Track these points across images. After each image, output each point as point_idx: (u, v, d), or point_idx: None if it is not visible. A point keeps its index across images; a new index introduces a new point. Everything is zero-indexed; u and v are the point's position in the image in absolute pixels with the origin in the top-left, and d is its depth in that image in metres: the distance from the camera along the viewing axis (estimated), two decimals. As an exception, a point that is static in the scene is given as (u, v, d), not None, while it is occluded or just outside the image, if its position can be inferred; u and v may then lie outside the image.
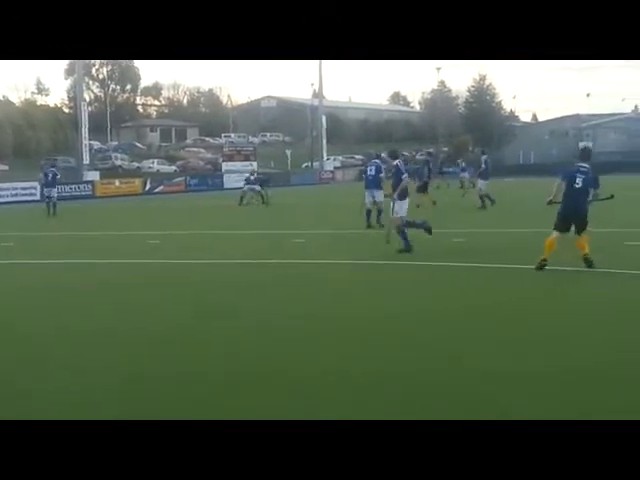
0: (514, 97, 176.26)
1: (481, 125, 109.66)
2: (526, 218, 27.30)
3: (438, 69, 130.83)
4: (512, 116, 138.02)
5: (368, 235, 22.58)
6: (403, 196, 18.40)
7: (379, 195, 24.26)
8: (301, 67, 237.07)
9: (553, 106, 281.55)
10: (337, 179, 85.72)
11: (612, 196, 15.68)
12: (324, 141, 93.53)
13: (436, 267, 15.79)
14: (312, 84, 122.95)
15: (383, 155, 25.09)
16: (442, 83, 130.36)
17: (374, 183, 24.52)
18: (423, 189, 34.28)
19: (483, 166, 33.23)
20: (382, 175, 24.37)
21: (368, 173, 24.96)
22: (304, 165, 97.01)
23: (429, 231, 18.40)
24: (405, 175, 18.68)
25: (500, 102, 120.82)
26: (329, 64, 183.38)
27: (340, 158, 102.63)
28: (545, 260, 14.55)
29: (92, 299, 13.00)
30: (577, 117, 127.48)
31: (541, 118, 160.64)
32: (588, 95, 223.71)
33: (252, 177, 43.29)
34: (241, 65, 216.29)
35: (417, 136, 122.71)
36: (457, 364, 8.29)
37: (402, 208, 18.28)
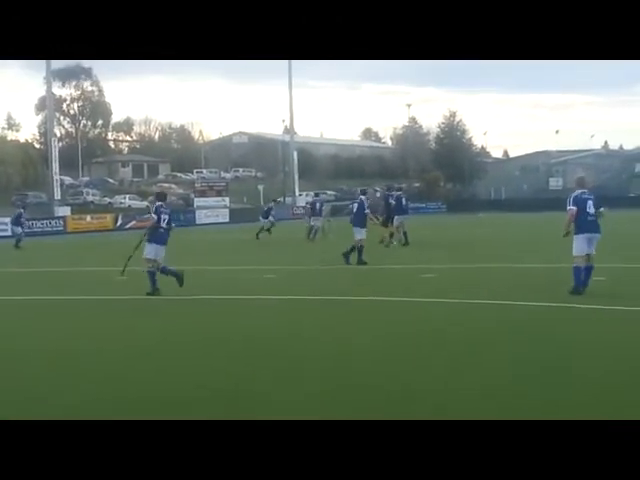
0: (485, 133, 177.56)
1: (452, 161, 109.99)
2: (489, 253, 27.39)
3: (409, 105, 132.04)
4: (483, 152, 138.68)
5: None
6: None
7: (360, 233, 24.08)
8: (272, 103, 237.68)
9: (523, 142, 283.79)
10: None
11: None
12: (296, 176, 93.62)
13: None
14: (283, 120, 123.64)
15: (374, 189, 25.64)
16: (413, 119, 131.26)
17: (359, 221, 24.29)
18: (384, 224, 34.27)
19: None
20: (366, 212, 24.41)
21: (352, 211, 24.77)
22: (277, 200, 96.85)
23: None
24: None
25: (471, 138, 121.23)
26: (300, 100, 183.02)
27: (312, 193, 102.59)
28: None
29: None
30: (547, 153, 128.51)
31: (512, 154, 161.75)
32: (557, 132, 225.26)
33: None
34: (212, 101, 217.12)
35: (389, 172, 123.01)
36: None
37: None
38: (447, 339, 11.65)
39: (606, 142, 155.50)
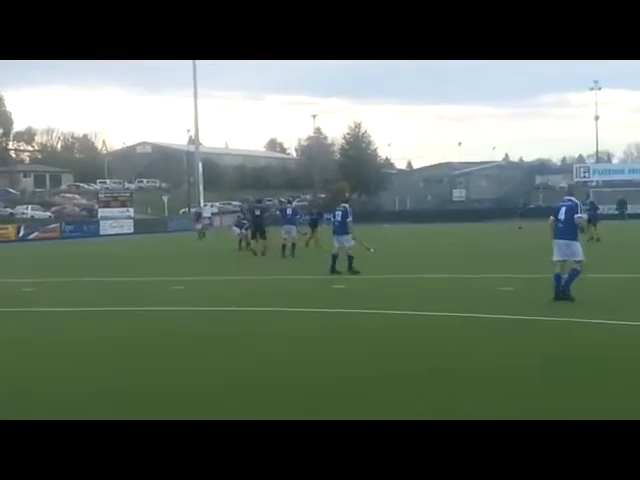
0: (389, 145, 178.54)
1: (357, 172, 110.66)
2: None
3: (314, 116, 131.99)
4: (388, 163, 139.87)
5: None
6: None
7: (347, 240, 24.23)
8: (177, 113, 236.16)
9: (427, 154, 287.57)
10: (215, 225, 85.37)
11: None
12: (201, 187, 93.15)
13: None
14: (188, 130, 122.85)
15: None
16: (318, 130, 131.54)
17: (341, 229, 24.38)
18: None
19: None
20: (349, 220, 24.37)
21: (334, 219, 24.92)
22: (181, 211, 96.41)
23: None
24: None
25: (376, 149, 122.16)
26: (204, 110, 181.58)
27: (217, 204, 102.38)
28: None
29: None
30: (450, 165, 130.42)
31: (416, 165, 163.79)
32: (460, 144, 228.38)
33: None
34: (116, 110, 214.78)
35: (294, 183, 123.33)
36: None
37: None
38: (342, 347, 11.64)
39: (507, 154, 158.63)
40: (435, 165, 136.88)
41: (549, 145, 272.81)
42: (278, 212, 32.81)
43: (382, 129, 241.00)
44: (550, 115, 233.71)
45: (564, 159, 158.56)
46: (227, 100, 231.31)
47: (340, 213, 24.60)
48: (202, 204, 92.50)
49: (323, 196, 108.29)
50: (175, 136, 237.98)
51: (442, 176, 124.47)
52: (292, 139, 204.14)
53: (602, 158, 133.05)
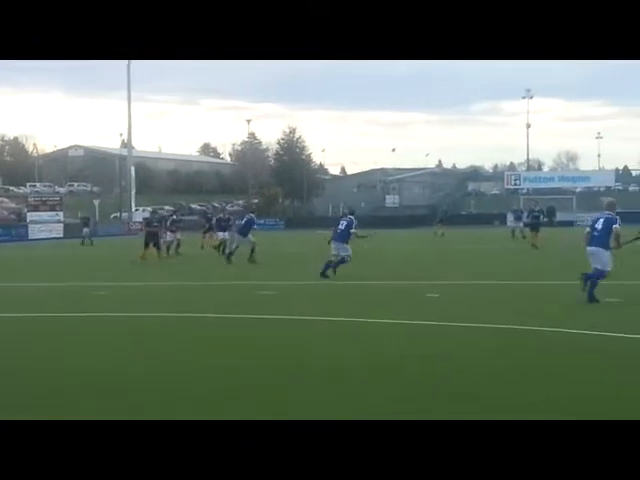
0: (323, 150, 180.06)
1: (291, 177, 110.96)
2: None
3: (248, 121, 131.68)
4: (321, 169, 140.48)
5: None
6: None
7: (344, 249, 24.67)
8: (109, 116, 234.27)
9: (361, 160, 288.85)
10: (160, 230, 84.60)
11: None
12: (133, 192, 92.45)
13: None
14: (121, 134, 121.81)
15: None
16: (252, 135, 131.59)
17: (341, 237, 24.97)
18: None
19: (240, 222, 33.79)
20: (353, 231, 25.18)
21: (338, 227, 25.39)
22: (113, 216, 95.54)
23: None
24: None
25: (310, 155, 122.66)
26: (138, 114, 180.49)
27: (149, 209, 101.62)
28: None
29: None
30: (384, 171, 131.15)
31: (350, 171, 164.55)
32: (394, 150, 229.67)
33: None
34: (47, 113, 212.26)
35: (228, 188, 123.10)
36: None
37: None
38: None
39: (440, 161, 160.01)
40: (369, 171, 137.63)
41: (481, 152, 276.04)
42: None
43: (316, 135, 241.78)
44: (483, 123, 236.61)
45: (496, 166, 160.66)
46: (161, 104, 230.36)
47: (345, 223, 25.30)
48: (133, 209, 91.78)
49: (256, 201, 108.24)
50: (108, 140, 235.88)
51: (376, 182, 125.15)
52: (226, 144, 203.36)
53: (533, 166, 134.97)
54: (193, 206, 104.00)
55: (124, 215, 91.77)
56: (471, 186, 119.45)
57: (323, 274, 23.88)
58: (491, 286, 22.05)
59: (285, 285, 22.73)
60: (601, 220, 17.49)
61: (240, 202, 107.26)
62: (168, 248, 37.47)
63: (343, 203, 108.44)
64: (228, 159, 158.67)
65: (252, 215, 33.41)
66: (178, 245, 38.59)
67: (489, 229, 75.70)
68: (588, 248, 17.46)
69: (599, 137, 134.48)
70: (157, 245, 34.30)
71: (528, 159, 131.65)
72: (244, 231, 31.76)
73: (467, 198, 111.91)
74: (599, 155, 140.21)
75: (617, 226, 17.31)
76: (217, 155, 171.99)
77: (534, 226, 39.94)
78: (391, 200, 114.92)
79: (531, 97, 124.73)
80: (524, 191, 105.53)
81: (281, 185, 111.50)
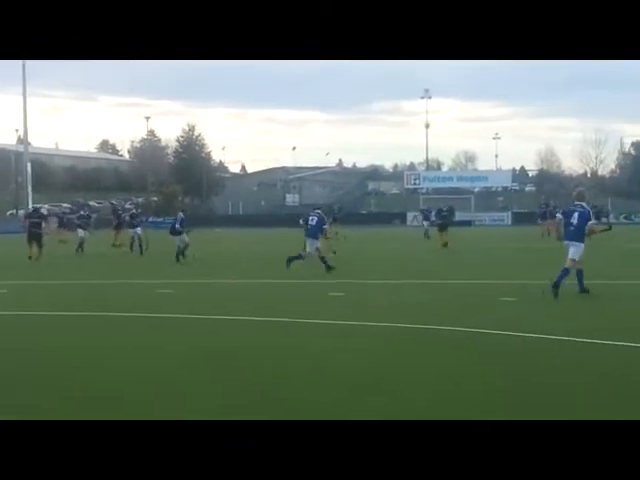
0: (223, 148, 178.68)
1: (190, 175, 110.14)
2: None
3: (147, 118, 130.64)
4: (221, 167, 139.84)
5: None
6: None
7: (312, 244, 25.49)
8: (4, 111, 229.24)
9: (262, 158, 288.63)
10: (43, 227, 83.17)
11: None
12: (29, 188, 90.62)
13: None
14: (17, 130, 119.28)
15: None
16: (152, 132, 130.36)
17: (313, 233, 25.78)
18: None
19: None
20: (325, 227, 26.28)
21: (309, 223, 26.20)
22: (9, 213, 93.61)
23: None
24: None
25: (209, 153, 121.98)
26: (34, 109, 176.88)
27: (46, 206, 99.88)
28: None
29: None
30: (284, 169, 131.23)
31: (250, 169, 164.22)
32: (294, 148, 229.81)
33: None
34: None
35: (126, 185, 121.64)
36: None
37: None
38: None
39: (340, 160, 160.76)
40: (269, 169, 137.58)
41: (382, 152, 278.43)
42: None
43: (217, 132, 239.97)
44: (382, 122, 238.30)
45: (396, 166, 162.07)
46: (57, 99, 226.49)
47: (316, 219, 25.97)
48: (30, 206, 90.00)
49: (156, 199, 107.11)
50: (3, 136, 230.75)
51: (276, 180, 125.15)
52: (125, 141, 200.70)
53: (432, 166, 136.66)
54: (91, 203, 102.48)
55: (20, 212, 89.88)
56: (371, 185, 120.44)
57: (289, 262, 25.40)
58: (397, 285, 22.12)
59: (183, 284, 22.43)
60: (576, 214, 18.10)
61: (139, 200, 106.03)
62: (132, 244, 36.92)
63: (242, 201, 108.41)
64: (127, 156, 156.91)
65: (181, 214, 32.86)
66: (81, 243, 37.81)
67: (389, 228, 76.27)
68: (566, 242, 18.19)
69: (496, 137, 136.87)
70: (39, 243, 33.91)
71: (427, 159, 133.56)
72: (177, 230, 31.45)
73: (367, 197, 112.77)
74: (496, 155, 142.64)
75: (591, 223, 18.39)
76: (116, 152, 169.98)
77: (442, 226, 40.26)
78: (291, 199, 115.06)
79: (429, 97, 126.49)
80: (423, 191, 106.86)
81: (180, 183, 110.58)
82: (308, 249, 25.57)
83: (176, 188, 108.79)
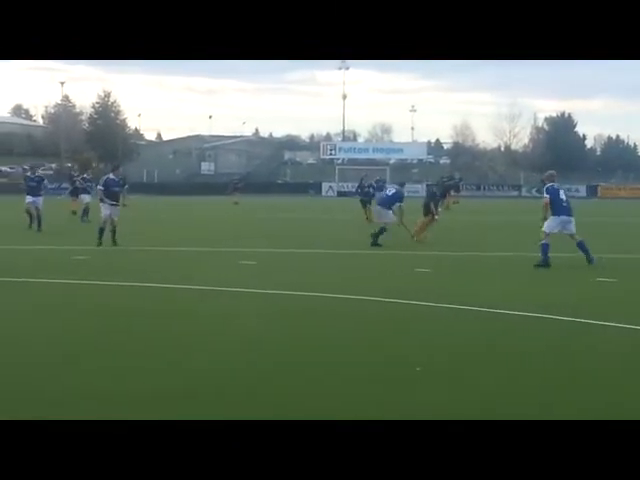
0: (139, 115, 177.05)
1: (105, 142, 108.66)
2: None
3: (62, 83, 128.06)
4: (137, 134, 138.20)
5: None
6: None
7: (386, 215, 24.81)
8: None
9: (177, 126, 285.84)
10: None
11: None
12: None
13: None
14: None
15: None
16: (66, 98, 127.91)
17: (386, 202, 25.30)
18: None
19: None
20: (400, 204, 25.16)
21: (385, 192, 26.29)
22: None
23: None
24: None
25: (125, 119, 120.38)
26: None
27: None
28: None
29: None
30: (200, 138, 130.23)
31: (165, 137, 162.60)
32: (210, 117, 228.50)
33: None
34: None
35: (40, 151, 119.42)
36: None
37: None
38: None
39: (257, 129, 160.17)
40: (185, 138, 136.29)
41: (298, 122, 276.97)
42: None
43: (132, 99, 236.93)
44: (299, 92, 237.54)
45: (312, 136, 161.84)
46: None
47: (394, 190, 25.68)
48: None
49: (70, 165, 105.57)
50: None
51: (191, 149, 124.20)
52: (39, 106, 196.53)
53: (348, 137, 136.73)
54: (3, 169, 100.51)
55: None
56: (287, 155, 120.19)
57: (374, 243, 23.76)
58: (306, 255, 22.36)
59: (100, 250, 22.34)
60: (562, 191, 19.36)
61: (52, 165, 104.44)
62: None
63: (158, 169, 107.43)
64: (41, 122, 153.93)
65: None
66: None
67: (304, 198, 76.43)
68: (564, 217, 18.89)
69: (413, 110, 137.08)
70: None
71: (344, 130, 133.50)
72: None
73: (283, 167, 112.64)
74: (412, 128, 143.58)
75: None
76: (29, 117, 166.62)
77: (364, 199, 39.02)
78: (206, 167, 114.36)
79: (347, 68, 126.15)
80: (339, 161, 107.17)
81: (95, 149, 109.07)
82: (386, 219, 24.75)
83: (90, 155, 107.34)
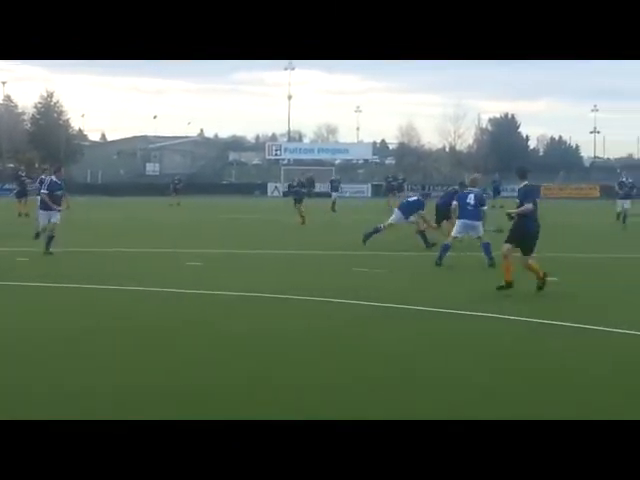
0: (83, 115, 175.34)
1: (48, 142, 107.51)
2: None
3: (4, 83, 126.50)
4: (80, 134, 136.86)
5: None
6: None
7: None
8: None
9: (122, 126, 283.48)
10: None
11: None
12: None
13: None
14: None
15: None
16: (8, 97, 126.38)
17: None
18: None
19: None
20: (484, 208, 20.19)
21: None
22: None
23: None
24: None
25: (68, 120, 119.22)
26: None
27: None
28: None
29: None
30: (145, 138, 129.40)
31: (110, 138, 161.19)
32: (155, 117, 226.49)
33: None
34: None
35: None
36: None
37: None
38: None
39: (202, 130, 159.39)
40: (130, 138, 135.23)
41: (244, 123, 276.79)
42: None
43: (76, 99, 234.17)
44: (245, 93, 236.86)
45: (258, 137, 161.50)
46: None
47: (473, 196, 19.93)
48: None
49: (12, 166, 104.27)
50: None
51: (136, 149, 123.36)
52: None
53: (294, 137, 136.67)
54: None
55: None
56: (232, 156, 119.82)
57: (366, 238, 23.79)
58: (251, 255, 22.33)
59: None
60: (472, 196, 19.46)
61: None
62: None
63: (102, 170, 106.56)
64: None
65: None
66: None
67: (250, 199, 76.31)
68: (467, 221, 19.30)
69: (358, 111, 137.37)
70: None
71: (289, 130, 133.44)
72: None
73: (228, 168, 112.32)
74: (358, 128, 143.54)
75: (485, 208, 19.81)
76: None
77: (296, 199, 39.21)
78: (151, 168, 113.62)
79: (293, 69, 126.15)
80: (285, 162, 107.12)
81: (37, 150, 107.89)
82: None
83: (32, 155, 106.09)
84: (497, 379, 8.78)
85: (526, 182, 15.53)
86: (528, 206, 14.75)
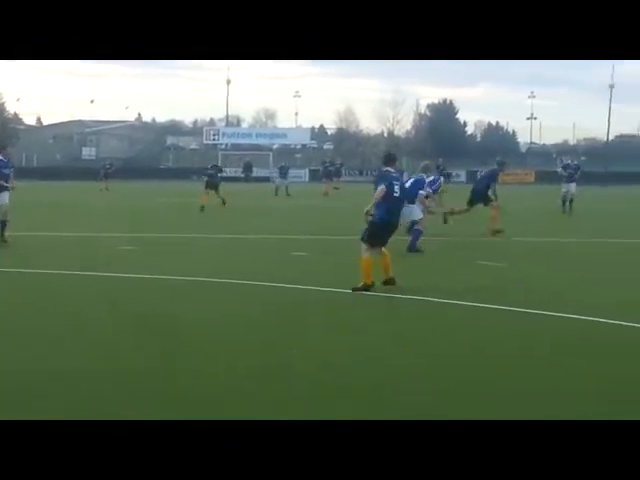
0: (18, 99, 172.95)
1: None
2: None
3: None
4: (16, 118, 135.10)
5: None
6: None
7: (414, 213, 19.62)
8: None
9: (58, 110, 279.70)
10: None
11: None
12: None
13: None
14: None
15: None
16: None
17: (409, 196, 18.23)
18: None
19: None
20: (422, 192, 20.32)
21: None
22: None
23: None
24: None
25: (4, 104, 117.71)
26: None
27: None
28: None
29: None
30: (81, 123, 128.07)
31: (46, 122, 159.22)
32: (92, 101, 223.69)
33: None
34: None
35: None
36: None
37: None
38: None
39: (140, 114, 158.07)
40: (66, 122, 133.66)
41: (182, 107, 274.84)
42: None
43: (11, 83, 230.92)
44: (184, 77, 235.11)
45: (196, 121, 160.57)
46: None
47: (413, 179, 20.54)
48: None
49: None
50: None
51: (72, 133, 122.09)
52: None
53: (232, 122, 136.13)
54: None
55: None
56: (170, 140, 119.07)
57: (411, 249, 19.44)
58: (188, 239, 22.33)
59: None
60: (411, 180, 19.93)
61: None
62: None
63: (37, 154, 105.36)
64: None
65: None
66: None
67: (187, 183, 75.88)
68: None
69: (297, 96, 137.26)
70: None
71: (227, 115, 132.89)
72: None
73: (166, 152, 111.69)
74: (296, 113, 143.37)
75: (422, 192, 19.99)
76: None
77: (209, 184, 37.57)
78: (88, 152, 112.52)
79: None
80: (223, 146, 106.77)
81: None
82: (412, 217, 19.44)
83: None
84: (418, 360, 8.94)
85: (388, 168, 14.59)
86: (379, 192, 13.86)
